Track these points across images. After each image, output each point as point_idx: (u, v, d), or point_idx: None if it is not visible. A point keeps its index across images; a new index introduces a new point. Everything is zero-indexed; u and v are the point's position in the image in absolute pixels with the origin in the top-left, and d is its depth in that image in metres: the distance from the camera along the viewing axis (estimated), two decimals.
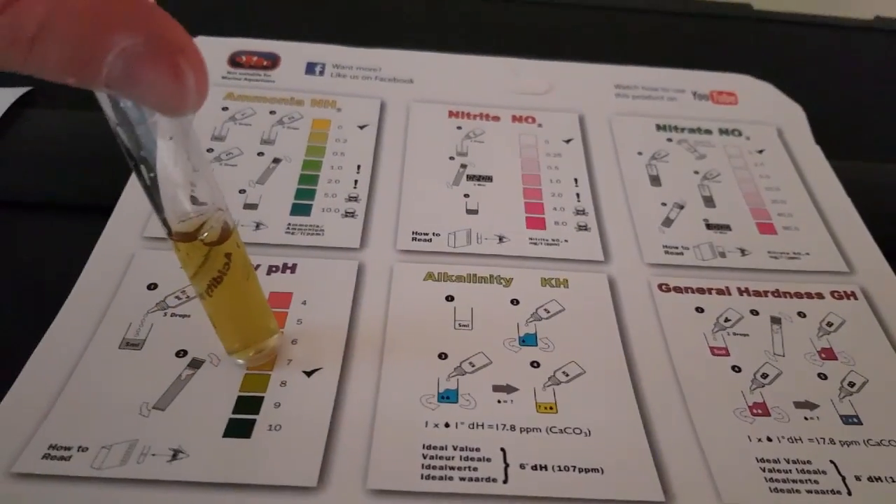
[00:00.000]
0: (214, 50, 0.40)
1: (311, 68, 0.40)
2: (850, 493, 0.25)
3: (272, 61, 0.40)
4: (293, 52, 0.41)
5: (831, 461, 0.26)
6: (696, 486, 0.24)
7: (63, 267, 0.29)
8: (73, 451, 0.23)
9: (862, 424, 0.27)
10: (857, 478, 0.25)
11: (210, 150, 0.35)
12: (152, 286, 0.29)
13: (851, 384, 0.28)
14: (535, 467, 0.24)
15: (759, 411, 0.27)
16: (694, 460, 0.25)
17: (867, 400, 0.28)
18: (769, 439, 0.26)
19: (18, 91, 0.38)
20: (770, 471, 0.25)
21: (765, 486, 0.24)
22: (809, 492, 0.24)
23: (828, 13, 0.55)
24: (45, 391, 0.25)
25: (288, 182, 0.34)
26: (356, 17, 0.49)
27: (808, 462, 0.25)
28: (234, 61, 0.40)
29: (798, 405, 0.27)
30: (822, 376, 0.28)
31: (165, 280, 0.29)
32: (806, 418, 0.27)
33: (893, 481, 0.25)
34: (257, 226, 0.32)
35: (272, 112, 0.37)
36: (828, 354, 0.29)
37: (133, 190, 0.33)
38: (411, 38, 0.44)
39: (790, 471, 0.25)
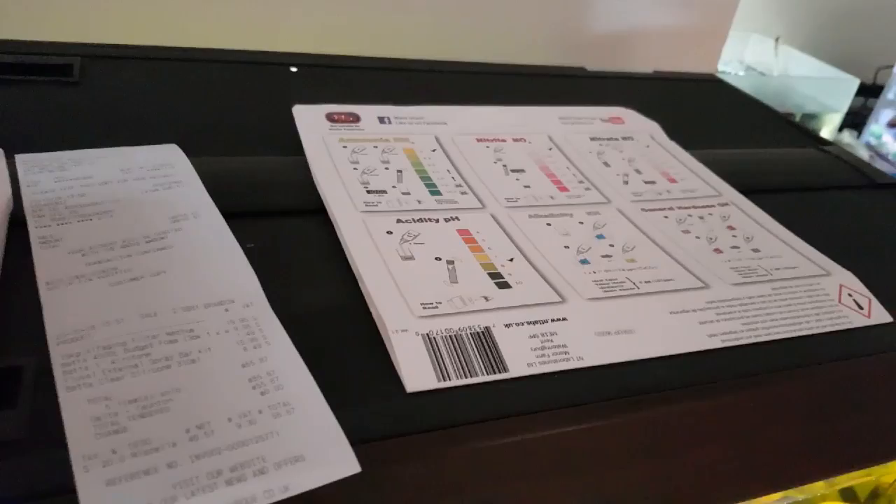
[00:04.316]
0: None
1: (382, 120, 0.57)
2: None
3: (355, 117, 0.56)
4: (368, 111, 0.57)
5: None
6: None
7: None
8: None
9: None
10: None
11: (355, 166, 0.49)
12: None
13: None
14: None
15: None
16: None
17: None
18: None
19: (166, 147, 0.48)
20: None
21: None
22: None
23: None
24: None
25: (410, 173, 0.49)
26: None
27: None
28: (331, 118, 0.55)
29: None
30: None
31: None
32: None
33: None
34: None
35: (375, 146, 0.53)
36: None
37: None
38: None
39: None
